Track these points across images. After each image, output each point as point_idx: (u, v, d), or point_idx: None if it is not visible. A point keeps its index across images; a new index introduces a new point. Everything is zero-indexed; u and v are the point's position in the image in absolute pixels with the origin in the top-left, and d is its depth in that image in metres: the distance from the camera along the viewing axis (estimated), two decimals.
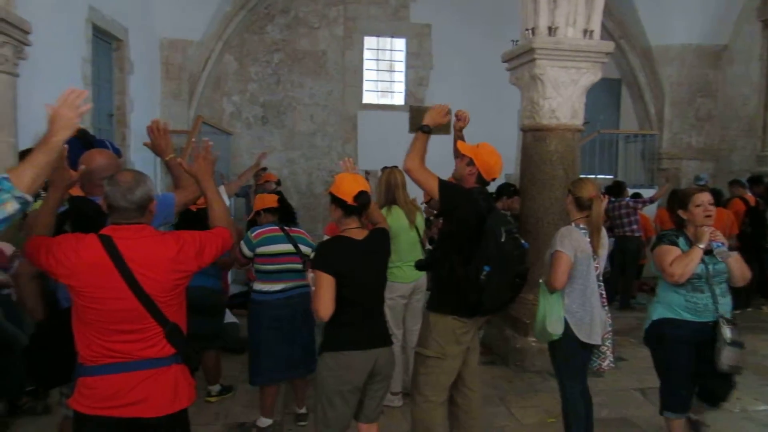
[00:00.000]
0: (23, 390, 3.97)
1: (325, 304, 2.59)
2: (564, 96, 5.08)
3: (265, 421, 3.89)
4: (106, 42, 7.21)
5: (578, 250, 3.20)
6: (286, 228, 3.84)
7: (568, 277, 3.21)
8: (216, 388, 4.40)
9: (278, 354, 3.73)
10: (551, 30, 4.99)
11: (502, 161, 3.08)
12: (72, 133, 1.95)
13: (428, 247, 4.68)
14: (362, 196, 2.74)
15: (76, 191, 4.23)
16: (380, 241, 2.86)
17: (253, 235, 3.74)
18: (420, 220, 4.35)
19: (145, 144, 2.77)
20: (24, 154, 4.82)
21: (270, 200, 3.97)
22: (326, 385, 2.69)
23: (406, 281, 4.20)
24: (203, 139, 2.47)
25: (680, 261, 3.19)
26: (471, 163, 3.04)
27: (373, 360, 2.71)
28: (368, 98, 10.39)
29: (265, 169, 6.52)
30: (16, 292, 3.71)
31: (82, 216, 2.24)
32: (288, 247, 3.76)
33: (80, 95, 1.98)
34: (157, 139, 2.62)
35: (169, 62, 8.77)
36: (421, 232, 4.34)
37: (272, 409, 3.94)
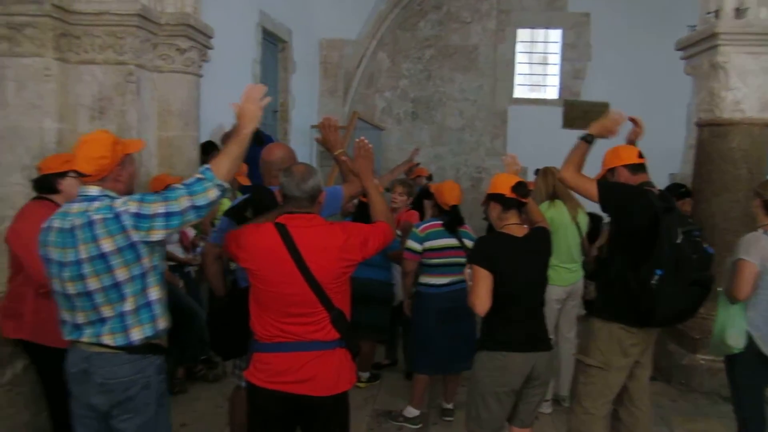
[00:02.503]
0: (198, 358, 4.41)
1: (481, 300, 2.55)
2: (752, 86, 4.51)
3: (412, 411, 3.94)
4: (273, 44, 7.75)
5: (766, 260, 2.89)
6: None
7: (753, 287, 2.89)
8: (366, 375, 4.56)
9: (441, 347, 3.76)
10: (739, 11, 4.45)
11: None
12: (257, 125, 2.12)
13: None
14: (520, 187, 2.68)
15: (243, 180, 4.59)
16: (541, 239, 2.76)
17: (419, 229, 3.79)
18: (582, 218, 4.10)
19: (316, 139, 2.92)
20: (204, 146, 5.36)
21: (456, 197, 3.82)
22: (481, 384, 2.65)
23: (561, 284, 3.99)
24: (359, 139, 2.57)
25: None
26: (611, 169, 2.87)
27: (532, 363, 2.62)
28: (519, 92, 10.10)
29: (418, 164, 6.60)
30: (202, 270, 4.14)
31: (261, 204, 2.42)
32: (453, 242, 3.77)
33: (260, 90, 2.16)
34: (328, 135, 2.75)
35: (327, 61, 9.23)
36: (583, 231, 4.10)
37: (421, 401, 3.99)
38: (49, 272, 2.10)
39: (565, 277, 3.98)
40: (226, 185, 2.06)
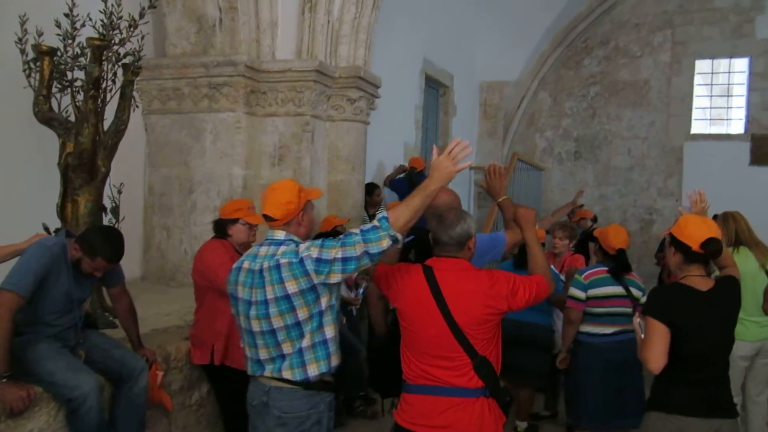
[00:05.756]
0: (357, 394, 4.55)
1: (655, 356, 2.32)
2: None
3: None
4: (434, 89, 8.01)
5: None
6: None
7: None
8: (524, 424, 4.36)
9: (606, 400, 3.51)
10: None
11: None
12: (448, 182, 2.12)
13: None
14: (711, 244, 2.37)
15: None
16: (729, 291, 2.47)
17: (583, 276, 3.63)
18: None
19: (479, 184, 2.94)
20: (366, 187, 5.63)
21: (623, 240, 3.63)
22: None
23: (749, 339, 3.54)
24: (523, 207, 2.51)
25: None
26: None
27: (714, 430, 2.33)
28: (697, 128, 9.27)
29: (581, 206, 6.34)
30: (364, 308, 4.30)
31: (425, 247, 2.47)
32: (619, 290, 3.55)
33: (464, 149, 2.12)
34: (493, 182, 2.73)
35: (487, 103, 9.31)
36: None
37: None
38: (236, 310, 2.31)
39: (754, 332, 3.53)
40: (400, 236, 2.10)
